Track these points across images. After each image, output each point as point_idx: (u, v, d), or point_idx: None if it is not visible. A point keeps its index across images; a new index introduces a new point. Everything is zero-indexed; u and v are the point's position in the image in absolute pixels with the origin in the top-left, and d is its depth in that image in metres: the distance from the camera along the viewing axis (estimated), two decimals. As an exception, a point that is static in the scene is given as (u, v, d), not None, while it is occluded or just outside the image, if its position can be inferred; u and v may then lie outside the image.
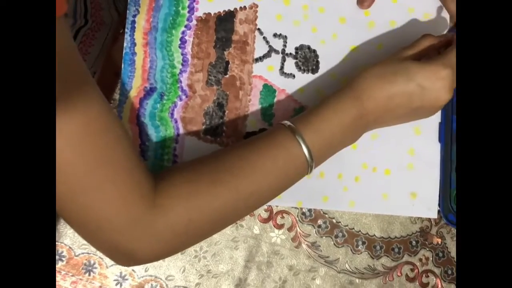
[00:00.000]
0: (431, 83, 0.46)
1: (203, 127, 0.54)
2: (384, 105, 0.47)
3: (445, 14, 0.58)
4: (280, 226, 0.56)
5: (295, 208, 0.56)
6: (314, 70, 0.56)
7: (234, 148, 0.47)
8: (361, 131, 0.49)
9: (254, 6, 0.56)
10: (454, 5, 0.55)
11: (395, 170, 0.57)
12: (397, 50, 0.50)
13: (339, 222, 0.57)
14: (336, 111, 0.47)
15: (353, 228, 0.57)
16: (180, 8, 0.54)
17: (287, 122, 0.47)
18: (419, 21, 0.58)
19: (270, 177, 0.45)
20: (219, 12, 0.55)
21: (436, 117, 0.57)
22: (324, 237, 0.57)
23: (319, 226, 0.57)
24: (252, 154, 0.45)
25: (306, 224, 0.56)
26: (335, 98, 0.48)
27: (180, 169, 0.45)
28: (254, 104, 0.55)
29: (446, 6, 0.57)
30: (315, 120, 0.47)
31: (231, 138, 0.54)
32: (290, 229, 0.56)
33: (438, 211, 0.57)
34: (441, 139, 0.57)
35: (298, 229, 0.56)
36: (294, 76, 0.56)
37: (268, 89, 0.55)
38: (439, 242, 0.59)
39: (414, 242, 0.58)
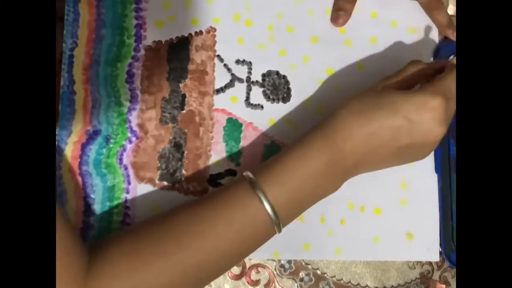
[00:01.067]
0: (419, 116, 0.39)
1: (159, 172, 0.46)
2: (365, 145, 0.40)
3: (433, 26, 0.52)
4: (255, 283, 0.48)
5: (272, 260, 0.48)
6: (285, 98, 0.49)
7: (184, 209, 0.41)
8: (339, 179, 0.42)
9: (212, 30, 0.49)
10: (441, 16, 0.50)
11: (386, 208, 0.49)
12: (379, 80, 0.44)
13: (325, 273, 0.49)
14: (305, 158, 0.40)
15: (342, 279, 0.49)
16: (125, 38, 0.47)
17: (249, 174, 0.40)
18: (404, 36, 0.51)
19: (224, 244, 0.39)
20: (171, 39, 0.48)
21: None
22: (308, 292, 0.49)
23: (302, 280, 0.49)
24: (203, 217, 0.39)
25: (286, 278, 0.48)
26: (303, 141, 0.41)
27: (120, 239, 0.39)
28: (217, 142, 0.47)
29: (433, 18, 0.50)
30: (280, 170, 0.40)
31: (192, 183, 0.47)
32: (267, 286, 0.48)
33: (440, 252, 0.50)
34: (437, 168, 0.51)
35: (277, 285, 0.48)
36: (262, 106, 0.49)
37: (233, 124, 0.48)
38: (444, 288, 0.51)
39: (414, 291, 0.50)
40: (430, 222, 0.50)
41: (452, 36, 0.51)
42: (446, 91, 0.40)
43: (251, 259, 0.48)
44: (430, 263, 0.51)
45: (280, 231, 0.40)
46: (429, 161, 0.50)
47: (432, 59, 0.52)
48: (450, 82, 0.41)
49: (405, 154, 0.41)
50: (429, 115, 0.39)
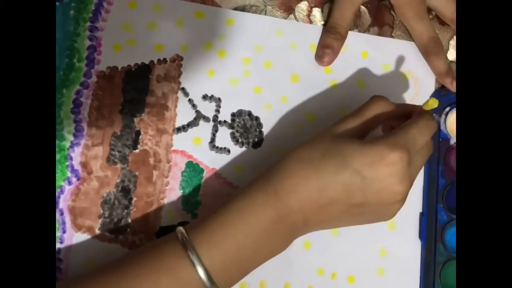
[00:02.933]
0: (374, 171, 0.34)
1: (100, 220, 0.40)
2: (312, 200, 0.35)
3: (430, 72, 0.46)
4: None
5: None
6: (256, 143, 0.43)
7: (106, 268, 0.34)
8: (287, 237, 0.36)
9: (178, 59, 0.42)
10: (440, 62, 0.44)
11: (361, 277, 0.44)
12: (335, 121, 0.38)
13: None
14: (245, 213, 0.35)
15: None
16: (75, 60, 0.41)
17: (181, 230, 0.35)
18: (396, 81, 0.46)
19: None
20: (128, 65, 0.41)
21: (416, 207, 0.44)
22: None
23: None
24: (129, 282, 0.33)
25: None
26: (245, 193, 0.36)
27: None
28: (173, 188, 0.41)
29: (430, 63, 0.45)
30: (217, 227, 0.34)
31: (139, 235, 0.40)
32: None
33: (418, 332, 0.44)
34: (422, 235, 0.45)
35: None
36: (229, 151, 0.42)
37: (193, 169, 0.41)
38: None
39: None
40: (410, 299, 0.44)
41: (451, 86, 0.45)
42: (410, 143, 0.35)
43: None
44: None
45: None
46: (414, 226, 0.45)
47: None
48: (416, 132, 0.36)
49: (362, 213, 0.36)
50: (385, 171, 0.34)
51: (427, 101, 0.37)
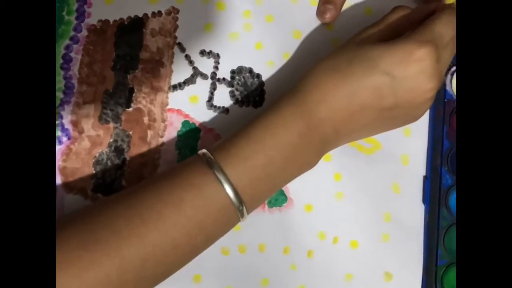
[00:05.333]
0: (403, 69, 0.33)
1: (93, 181, 0.38)
2: (342, 108, 0.34)
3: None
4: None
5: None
6: (257, 102, 0.41)
7: (126, 192, 0.34)
8: (317, 151, 0.36)
9: (174, 11, 0.40)
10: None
11: (364, 242, 0.42)
12: (357, 32, 0.37)
13: (285, 313, 0.41)
14: (273, 128, 0.34)
15: (304, 321, 0.42)
16: (64, 13, 0.38)
17: (204, 151, 0.34)
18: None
19: (175, 233, 0.32)
20: (121, 19, 0.39)
21: (420, 170, 0.42)
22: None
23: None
24: (145, 200, 0.32)
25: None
26: (271, 109, 0.35)
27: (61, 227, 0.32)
28: (168, 149, 0.39)
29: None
30: (243, 143, 0.34)
31: (133, 197, 0.38)
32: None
33: (420, 298, 0.43)
34: (425, 199, 0.43)
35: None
36: (227, 110, 0.40)
37: (190, 128, 0.40)
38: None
39: None
40: (413, 262, 0.43)
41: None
42: (437, 38, 0.34)
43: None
44: (407, 308, 0.43)
45: (243, 217, 0.34)
46: (418, 189, 0.43)
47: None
48: (441, 27, 0.35)
49: (393, 117, 0.36)
50: (415, 68, 0.33)
51: None
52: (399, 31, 0.37)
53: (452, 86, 0.44)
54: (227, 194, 0.33)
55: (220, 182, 0.32)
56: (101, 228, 0.32)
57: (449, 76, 0.44)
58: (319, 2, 0.43)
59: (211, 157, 0.33)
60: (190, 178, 0.33)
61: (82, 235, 0.31)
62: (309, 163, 0.36)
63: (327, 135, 0.35)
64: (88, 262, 0.31)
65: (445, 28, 0.35)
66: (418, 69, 0.33)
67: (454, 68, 0.44)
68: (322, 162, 0.37)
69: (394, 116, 0.36)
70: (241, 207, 0.33)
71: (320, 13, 0.42)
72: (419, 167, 0.43)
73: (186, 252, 0.34)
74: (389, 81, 0.34)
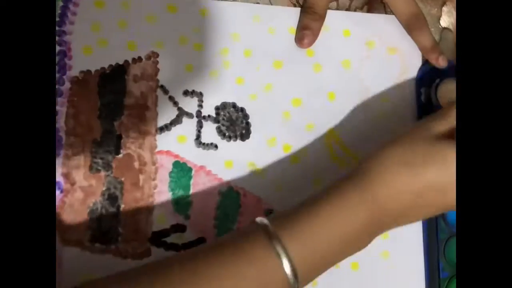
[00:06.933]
0: None
1: (89, 232, 0.38)
2: (408, 206, 0.35)
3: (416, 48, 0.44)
4: None
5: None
6: (244, 135, 0.41)
7: (181, 260, 0.34)
8: (373, 236, 0.36)
9: (153, 56, 0.40)
10: (423, 37, 0.44)
11: (365, 263, 0.42)
12: (421, 122, 0.37)
13: None
14: (338, 215, 0.34)
15: None
16: (45, 68, 0.38)
17: (263, 221, 0.34)
18: (382, 58, 0.44)
19: None
20: (102, 68, 0.39)
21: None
22: None
23: None
24: (206, 271, 0.32)
25: None
26: (336, 191, 0.35)
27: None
28: (162, 191, 0.39)
29: (415, 39, 0.44)
30: (306, 225, 0.33)
31: (132, 243, 0.39)
32: None
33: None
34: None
35: None
36: (216, 146, 0.41)
37: (181, 168, 0.40)
38: None
39: None
40: (415, 278, 0.43)
41: (436, 61, 0.43)
42: None
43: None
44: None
45: None
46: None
47: (414, 83, 0.45)
48: None
49: (450, 208, 0.36)
50: None
51: None
52: None
53: (438, 96, 0.44)
54: (284, 271, 0.32)
55: (280, 258, 0.32)
56: None
57: (433, 88, 0.44)
58: (296, 29, 0.43)
59: (272, 230, 0.33)
60: (250, 251, 0.33)
61: None
62: (363, 247, 0.36)
63: (387, 225, 0.36)
64: None
65: None
66: None
67: (437, 80, 0.44)
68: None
69: (452, 207, 0.36)
70: (296, 284, 0.33)
71: (298, 39, 0.43)
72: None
73: None
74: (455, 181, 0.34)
